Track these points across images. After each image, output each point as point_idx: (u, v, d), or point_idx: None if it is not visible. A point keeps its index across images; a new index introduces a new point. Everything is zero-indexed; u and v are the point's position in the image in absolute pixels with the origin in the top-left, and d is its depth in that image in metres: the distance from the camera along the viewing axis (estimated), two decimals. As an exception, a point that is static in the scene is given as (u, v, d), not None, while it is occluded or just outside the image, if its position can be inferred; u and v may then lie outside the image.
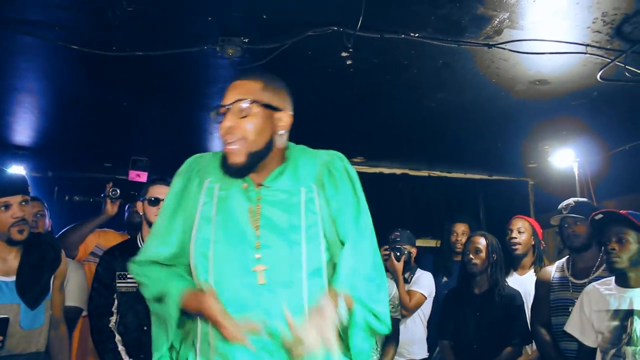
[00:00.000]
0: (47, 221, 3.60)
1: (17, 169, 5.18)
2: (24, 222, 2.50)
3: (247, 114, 1.64)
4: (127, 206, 4.15)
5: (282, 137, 1.71)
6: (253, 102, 1.64)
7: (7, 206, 2.47)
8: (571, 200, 3.37)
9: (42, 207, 3.50)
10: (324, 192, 1.69)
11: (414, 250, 4.04)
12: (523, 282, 3.66)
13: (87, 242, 3.83)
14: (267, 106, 1.66)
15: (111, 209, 3.80)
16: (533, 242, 3.83)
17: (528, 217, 3.98)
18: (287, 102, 1.73)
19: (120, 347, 2.83)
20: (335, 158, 1.75)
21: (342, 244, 1.67)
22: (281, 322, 1.53)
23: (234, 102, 1.65)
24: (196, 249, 1.67)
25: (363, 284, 1.62)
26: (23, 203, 2.51)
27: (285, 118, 1.70)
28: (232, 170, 1.67)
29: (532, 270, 3.78)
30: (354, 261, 1.63)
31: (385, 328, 1.65)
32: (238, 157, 1.64)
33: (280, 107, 1.70)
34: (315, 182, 1.70)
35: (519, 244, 3.78)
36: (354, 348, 1.61)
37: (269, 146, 1.68)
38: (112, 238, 3.96)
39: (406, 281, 3.93)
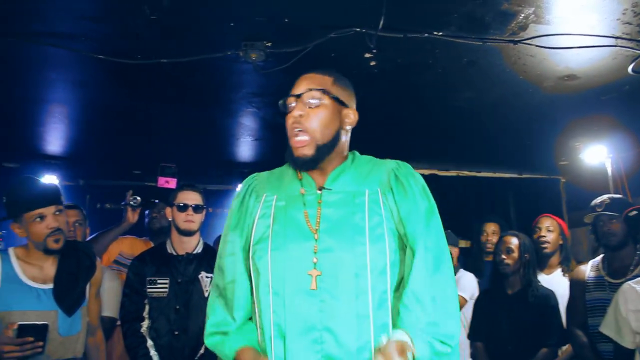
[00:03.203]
0: (86, 229, 3.65)
1: (49, 178, 5.30)
2: (59, 232, 2.53)
3: (318, 104, 1.67)
4: (146, 212, 4.20)
5: (347, 134, 1.74)
6: (325, 92, 1.67)
7: (41, 217, 2.50)
8: (605, 197, 3.29)
9: (81, 216, 3.56)
10: (393, 197, 1.67)
11: (454, 251, 3.97)
12: (550, 282, 3.58)
13: (110, 250, 3.89)
14: (337, 100, 1.70)
15: (132, 216, 3.85)
16: (561, 242, 3.76)
17: (555, 216, 3.90)
18: (353, 100, 1.78)
19: (153, 352, 2.86)
20: (401, 165, 1.75)
21: (410, 247, 1.62)
22: (340, 329, 1.53)
23: (305, 92, 1.67)
24: (256, 260, 1.66)
25: (430, 310, 1.55)
26: (57, 213, 2.54)
27: (351, 115, 1.74)
28: (301, 163, 1.67)
29: (559, 270, 3.72)
30: (422, 284, 1.56)
31: (448, 348, 1.56)
32: (307, 149, 1.65)
33: (348, 104, 1.74)
34: (380, 185, 1.69)
35: (548, 242, 3.71)
36: None
37: (335, 141, 1.69)
38: (134, 245, 4.01)
39: None
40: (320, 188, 1.70)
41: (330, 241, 1.60)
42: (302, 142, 1.65)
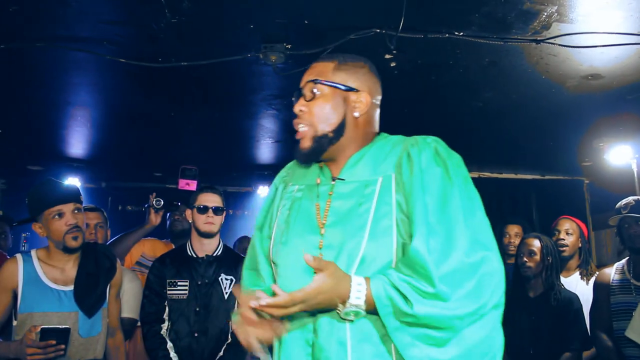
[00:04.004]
0: (107, 232, 3.69)
1: (72, 181, 5.37)
2: (77, 229, 2.56)
3: (317, 95, 1.57)
4: (167, 215, 4.22)
5: (358, 120, 1.58)
6: (321, 82, 1.56)
7: (60, 214, 2.54)
8: (631, 199, 3.24)
9: (102, 219, 3.60)
10: (401, 178, 1.48)
11: None
12: (568, 285, 3.53)
13: (133, 252, 3.92)
14: (338, 86, 1.57)
15: (155, 218, 3.87)
16: (580, 244, 3.71)
17: (575, 218, 3.84)
18: (367, 82, 1.60)
19: (173, 354, 2.87)
20: (421, 140, 1.54)
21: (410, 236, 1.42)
22: (325, 334, 1.42)
23: (304, 84, 1.59)
24: (273, 254, 1.61)
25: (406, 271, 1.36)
26: (76, 211, 2.58)
27: (362, 98, 1.58)
28: (300, 156, 1.59)
29: (577, 273, 3.68)
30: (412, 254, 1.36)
31: (419, 307, 1.30)
32: (305, 142, 1.57)
33: (357, 87, 1.58)
34: (395, 169, 1.51)
35: (567, 245, 3.67)
36: (399, 348, 1.34)
37: (340, 129, 1.56)
38: (156, 247, 4.04)
39: None
40: (334, 178, 1.58)
41: (334, 236, 1.48)
42: (300, 135, 1.58)
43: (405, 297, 1.32)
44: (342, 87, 1.57)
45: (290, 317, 1.45)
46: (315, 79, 1.57)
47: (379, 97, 1.66)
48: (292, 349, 1.47)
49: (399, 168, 1.50)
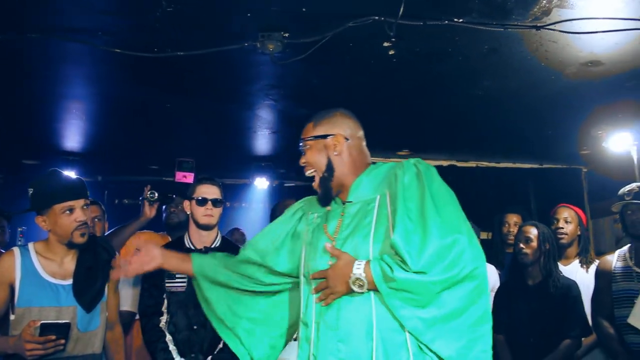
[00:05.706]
0: (105, 225, 3.65)
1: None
2: (85, 226, 2.52)
3: (307, 149, 2.04)
4: (164, 207, 4.19)
5: (342, 156, 2.00)
6: (305, 139, 2.05)
7: (71, 210, 2.49)
8: (634, 186, 3.23)
9: (100, 212, 3.57)
10: (391, 193, 1.88)
11: None
12: (568, 273, 3.53)
13: (128, 245, 3.88)
14: (317, 137, 2.02)
15: (149, 211, 3.83)
16: (579, 232, 3.71)
17: (574, 206, 3.84)
18: (340, 125, 2.02)
19: (172, 347, 2.85)
20: (405, 162, 1.91)
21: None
22: (347, 334, 1.81)
23: (299, 144, 2.08)
24: (304, 268, 2.02)
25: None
26: (85, 207, 2.54)
27: (333, 141, 2.00)
28: (319, 197, 2.06)
29: (576, 261, 3.68)
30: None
31: (399, 273, 1.70)
32: (316, 184, 2.03)
33: (331, 133, 2.00)
34: (388, 187, 1.90)
35: (566, 234, 3.67)
36: (392, 310, 1.73)
37: (330, 168, 2.00)
38: (152, 239, 3.99)
39: None
40: (343, 202, 2.00)
41: (346, 245, 1.88)
42: (314, 181, 2.05)
43: (390, 267, 1.72)
44: (313, 138, 2.03)
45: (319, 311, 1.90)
46: (302, 139, 2.06)
47: (357, 132, 2.06)
48: (325, 341, 1.85)
49: (390, 186, 1.91)
